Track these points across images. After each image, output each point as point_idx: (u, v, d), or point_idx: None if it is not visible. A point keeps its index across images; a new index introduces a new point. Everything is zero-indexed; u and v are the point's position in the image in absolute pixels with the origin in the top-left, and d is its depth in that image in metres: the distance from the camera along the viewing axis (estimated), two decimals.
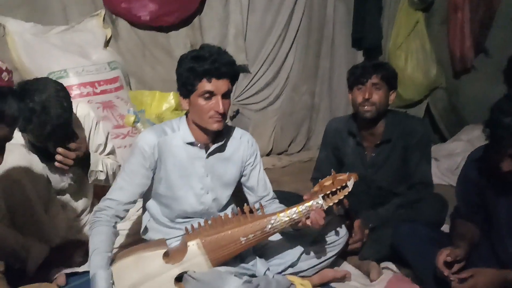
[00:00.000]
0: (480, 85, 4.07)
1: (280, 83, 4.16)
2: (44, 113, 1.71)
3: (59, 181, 2.01)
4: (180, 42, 3.55)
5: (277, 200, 2.03)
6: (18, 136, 1.81)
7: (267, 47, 3.99)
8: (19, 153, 1.79)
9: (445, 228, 2.14)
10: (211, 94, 1.70)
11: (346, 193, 1.76)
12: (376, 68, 2.14)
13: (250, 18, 3.85)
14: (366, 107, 2.13)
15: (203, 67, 1.67)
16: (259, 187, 1.99)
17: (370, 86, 2.13)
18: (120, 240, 2.05)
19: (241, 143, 1.93)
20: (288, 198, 2.05)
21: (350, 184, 1.76)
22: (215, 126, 1.74)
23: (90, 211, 2.18)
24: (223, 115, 1.73)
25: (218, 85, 1.69)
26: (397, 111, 2.42)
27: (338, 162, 2.33)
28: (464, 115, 4.26)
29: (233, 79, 1.77)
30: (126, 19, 3.31)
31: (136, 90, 3.35)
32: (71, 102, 1.85)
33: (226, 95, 1.73)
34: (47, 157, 1.92)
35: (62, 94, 1.80)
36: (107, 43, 3.23)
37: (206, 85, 1.69)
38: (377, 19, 4.34)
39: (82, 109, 2.06)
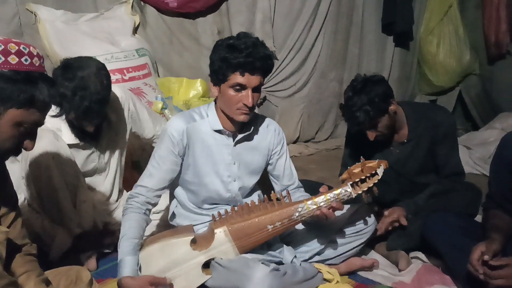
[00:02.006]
0: None
1: (307, 69, 4.11)
2: (84, 88, 1.76)
3: (90, 161, 2.05)
4: (207, 28, 3.55)
5: (302, 189, 2.02)
6: (47, 121, 1.84)
7: (294, 33, 3.94)
8: (48, 139, 1.82)
9: (479, 218, 2.08)
10: (242, 87, 1.68)
11: (376, 181, 1.73)
12: (360, 125, 2.03)
13: (278, 3, 3.81)
14: (378, 139, 2.11)
15: (237, 60, 1.63)
16: (285, 176, 1.98)
17: (370, 133, 2.07)
18: (151, 230, 2.10)
19: (268, 131, 1.92)
20: (314, 188, 2.03)
21: (380, 171, 1.73)
22: (241, 118, 1.73)
23: (120, 194, 2.21)
24: (251, 108, 1.71)
25: (250, 79, 1.67)
26: (417, 103, 2.35)
27: (363, 157, 2.29)
28: (498, 103, 4.14)
29: (267, 73, 1.74)
30: (154, 5, 3.32)
31: (163, 77, 3.36)
32: (111, 81, 1.89)
33: (256, 89, 1.71)
34: (82, 136, 1.96)
35: (103, 73, 1.85)
36: (135, 30, 3.25)
37: (238, 78, 1.66)
38: (409, 3, 4.25)
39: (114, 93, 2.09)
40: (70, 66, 1.79)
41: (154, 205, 1.81)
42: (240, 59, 1.62)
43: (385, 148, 2.23)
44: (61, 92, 1.74)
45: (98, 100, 1.79)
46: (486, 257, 1.53)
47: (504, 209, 1.74)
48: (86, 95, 1.76)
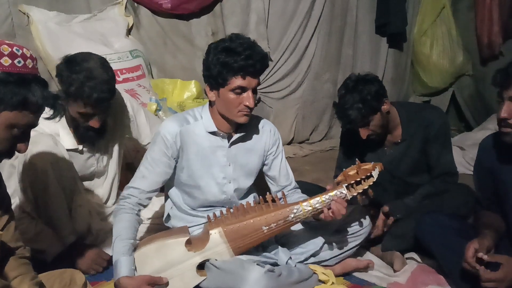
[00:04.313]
0: None
1: (302, 71, 4.11)
2: (92, 78, 1.77)
3: (88, 165, 2.03)
4: (201, 29, 3.54)
5: (299, 190, 2.01)
6: (45, 126, 1.83)
7: (289, 35, 3.94)
8: (46, 144, 1.81)
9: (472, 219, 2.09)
10: (242, 89, 1.67)
11: (371, 183, 1.73)
12: (351, 122, 2.05)
13: (272, 4, 3.80)
14: (371, 138, 2.12)
15: (238, 63, 1.62)
16: (281, 176, 1.97)
17: (362, 130, 2.08)
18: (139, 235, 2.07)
19: (263, 132, 1.91)
20: (309, 189, 2.03)
21: (375, 173, 1.73)
22: (242, 120, 1.72)
23: (117, 199, 2.20)
24: (252, 109, 1.71)
25: (251, 81, 1.66)
26: (410, 103, 2.36)
27: (358, 158, 2.30)
28: (491, 103, 4.15)
29: (263, 72, 1.75)
30: (147, 7, 3.31)
31: (157, 79, 3.35)
32: (114, 73, 1.91)
33: (255, 90, 1.71)
34: (82, 139, 1.96)
35: (107, 64, 1.88)
36: (129, 32, 3.24)
37: (239, 81, 1.65)
38: (402, 5, 4.25)
39: None
40: (74, 59, 1.81)
41: (145, 206, 1.81)
42: (241, 62, 1.61)
43: (379, 149, 2.24)
44: (70, 83, 1.76)
45: (107, 89, 1.81)
46: (480, 255, 1.55)
47: (493, 210, 1.76)
48: (96, 85, 1.77)
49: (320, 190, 1.93)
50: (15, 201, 1.86)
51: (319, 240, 1.90)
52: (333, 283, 1.82)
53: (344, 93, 2.06)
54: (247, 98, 1.68)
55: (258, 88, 1.75)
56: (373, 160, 2.15)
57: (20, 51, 1.18)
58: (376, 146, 2.23)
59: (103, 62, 1.86)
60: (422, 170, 2.22)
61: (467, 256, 1.58)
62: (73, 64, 1.79)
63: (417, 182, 2.21)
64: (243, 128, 1.83)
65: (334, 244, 1.90)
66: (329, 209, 1.72)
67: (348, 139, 2.31)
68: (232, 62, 1.62)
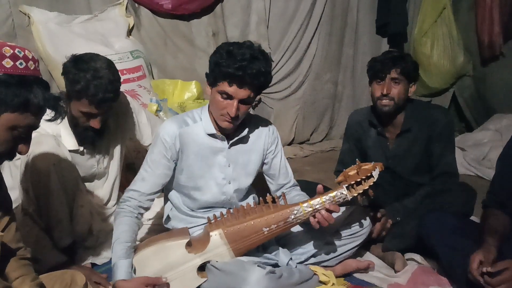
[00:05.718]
0: (509, 72, 3.97)
1: (302, 71, 4.11)
2: (99, 78, 1.78)
3: (89, 166, 2.04)
4: (202, 30, 3.54)
5: (298, 187, 2.01)
6: (46, 126, 1.83)
7: (289, 35, 3.94)
8: (49, 144, 1.81)
9: (474, 218, 2.09)
10: (228, 96, 1.67)
11: (371, 183, 1.72)
12: (395, 62, 2.08)
13: (273, 5, 3.81)
14: (384, 101, 2.10)
15: (226, 70, 1.62)
16: (280, 175, 1.97)
17: (389, 81, 2.08)
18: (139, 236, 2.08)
19: (262, 131, 1.91)
20: (309, 188, 2.03)
21: (376, 174, 1.73)
22: (224, 124, 1.72)
23: (117, 200, 2.19)
24: (234, 118, 1.69)
25: (237, 91, 1.65)
26: (418, 100, 2.35)
27: (361, 154, 2.30)
28: (492, 104, 4.16)
29: (259, 89, 1.73)
30: (148, 7, 3.32)
31: (158, 79, 3.35)
32: (119, 76, 1.91)
33: (245, 101, 1.70)
34: (82, 140, 1.96)
35: (113, 66, 1.89)
36: (129, 32, 3.24)
37: (225, 87, 1.65)
38: (403, 5, 4.25)
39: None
40: (82, 58, 1.82)
41: (147, 209, 1.81)
42: (230, 69, 1.61)
43: (382, 144, 2.23)
44: (76, 81, 1.76)
45: (112, 90, 1.81)
46: (485, 269, 1.54)
47: (505, 208, 1.75)
48: (102, 84, 1.77)
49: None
50: (17, 199, 1.86)
51: (320, 241, 1.90)
52: (333, 284, 1.82)
53: (387, 52, 2.18)
54: (230, 106, 1.67)
55: None
56: (377, 156, 2.16)
57: (22, 53, 1.18)
58: (379, 141, 2.23)
59: (110, 64, 1.87)
60: (424, 170, 2.21)
61: (472, 268, 1.57)
62: (80, 63, 1.80)
63: (419, 181, 2.20)
64: (242, 129, 1.84)
65: (334, 244, 1.90)
66: (314, 217, 1.72)
67: (353, 133, 2.31)
68: (224, 66, 1.62)
